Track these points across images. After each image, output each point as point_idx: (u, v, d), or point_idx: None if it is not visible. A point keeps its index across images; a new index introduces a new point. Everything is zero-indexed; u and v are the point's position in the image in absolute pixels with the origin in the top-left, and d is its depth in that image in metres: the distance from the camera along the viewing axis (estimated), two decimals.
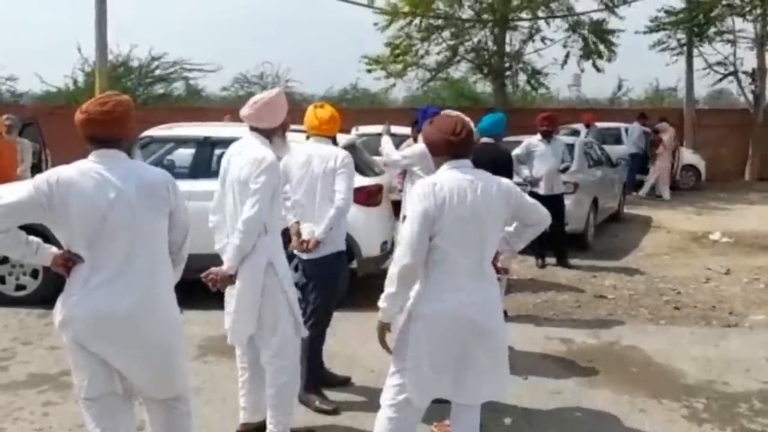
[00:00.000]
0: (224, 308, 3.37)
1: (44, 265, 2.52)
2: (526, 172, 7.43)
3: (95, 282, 2.40)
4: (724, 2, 16.44)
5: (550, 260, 7.69)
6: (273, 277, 3.23)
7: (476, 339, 2.66)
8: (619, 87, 22.97)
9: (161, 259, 2.53)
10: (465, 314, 2.64)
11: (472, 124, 2.96)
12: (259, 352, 3.31)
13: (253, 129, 3.33)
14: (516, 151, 7.37)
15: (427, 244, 2.65)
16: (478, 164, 5.07)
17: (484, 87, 19.52)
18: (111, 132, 2.45)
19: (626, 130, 14.28)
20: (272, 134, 3.33)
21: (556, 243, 7.65)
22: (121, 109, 2.46)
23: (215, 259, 3.29)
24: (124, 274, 2.41)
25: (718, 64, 17.69)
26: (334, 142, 4.01)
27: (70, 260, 2.44)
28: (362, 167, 6.22)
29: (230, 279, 3.17)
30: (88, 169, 2.42)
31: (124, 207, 2.40)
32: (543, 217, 2.93)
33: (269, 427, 3.32)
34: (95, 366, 2.43)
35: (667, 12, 17.21)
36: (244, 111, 3.32)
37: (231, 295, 3.28)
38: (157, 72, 20.53)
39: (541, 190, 7.36)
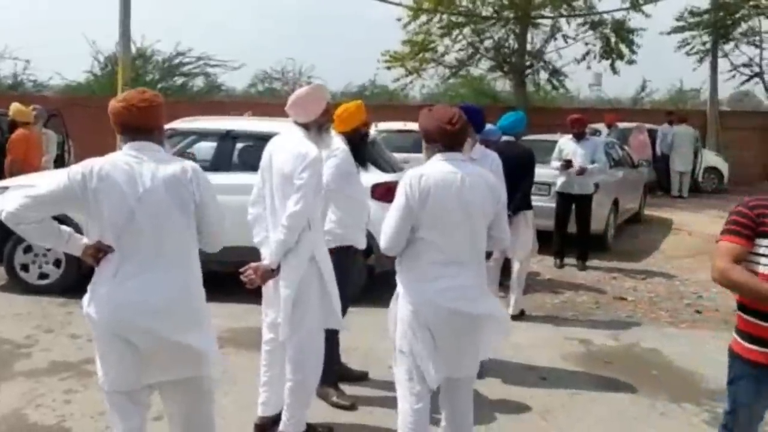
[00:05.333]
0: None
1: (75, 255, 2.54)
2: (556, 163, 7.41)
3: (124, 273, 2.41)
4: (750, 3, 16.17)
5: (569, 260, 7.63)
6: (313, 271, 3.26)
7: (457, 322, 2.77)
8: (643, 88, 22.70)
9: (191, 251, 2.53)
10: (444, 301, 2.75)
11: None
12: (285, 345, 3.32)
13: (295, 123, 3.34)
14: (553, 156, 7.49)
15: (408, 232, 2.79)
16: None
17: (504, 85, 19.43)
18: (149, 120, 2.48)
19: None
20: (310, 127, 3.32)
21: (580, 243, 7.60)
22: (157, 100, 2.51)
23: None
24: (154, 267, 2.42)
25: (744, 65, 17.45)
26: (350, 137, 3.90)
27: (100, 251, 2.46)
28: (382, 163, 6.22)
29: (272, 273, 3.17)
30: (120, 160, 2.45)
31: (152, 201, 2.41)
32: (503, 238, 2.97)
33: (283, 419, 3.32)
34: (122, 360, 2.45)
35: (691, 12, 16.98)
36: (287, 104, 3.33)
37: (272, 288, 3.27)
38: (179, 66, 20.70)
39: (574, 189, 7.36)
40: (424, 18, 15.84)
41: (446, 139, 2.83)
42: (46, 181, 2.51)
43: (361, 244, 3.93)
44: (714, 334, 5.43)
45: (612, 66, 16.50)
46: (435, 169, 2.80)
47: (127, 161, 2.44)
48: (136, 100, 2.46)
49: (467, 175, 2.79)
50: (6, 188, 5.76)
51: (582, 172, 7.32)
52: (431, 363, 2.81)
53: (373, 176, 5.94)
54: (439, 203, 2.74)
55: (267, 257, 3.21)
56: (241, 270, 3.21)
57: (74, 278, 5.71)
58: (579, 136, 7.48)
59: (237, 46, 35.86)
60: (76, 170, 2.43)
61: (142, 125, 2.48)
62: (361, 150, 4.00)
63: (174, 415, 2.64)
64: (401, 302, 2.86)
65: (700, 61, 17.42)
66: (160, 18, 30.62)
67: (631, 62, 16.42)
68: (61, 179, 2.43)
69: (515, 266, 5.64)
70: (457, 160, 2.84)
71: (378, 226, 5.57)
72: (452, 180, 2.76)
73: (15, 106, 7.62)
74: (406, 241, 2.81)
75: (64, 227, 2.54)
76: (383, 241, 2.83)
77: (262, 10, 46.05)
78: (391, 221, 2.80)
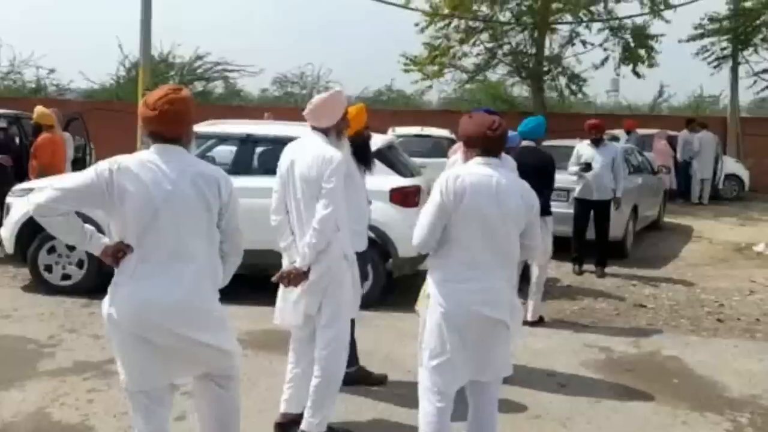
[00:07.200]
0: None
1: (95, 253, 2.57)
2: (574, 169, 7.39)
3: (143, 272, 2.44)
4: None
5: (588, 267, 7.58)
6: (345, 269, 3.34)
7: (484, 325, 2.81)
8: (660, 94, 22.52)
9: (211, 254, 2.55)
10: (473, 303, 2.77)
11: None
12: (315, 342, 3.37)
13: (314, 128, 3.39)
14: (571, 161, 7.46)
15: (440, 231, 2.84)
16: (520, 167, 5.04)
17: (521, 91, 19.37)
18: (176, 130, 2.51)
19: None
20: (329, 132, 3.37)
21: (598, 250, 7.55)
22: (188, 106, 2.52)
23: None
24: (173, 265, 2.45)
25: (764, 71, 17.23)
26: (352, 140, 3.82)
27: (120, 251, 2.49)
28: (400, 168, 6.24)
29: (304, 276, 3.22)
30: (147, 160, 2.48)
31: (178, 201, 2.44)
32: (534, 245, 3.03)
33: (306, 418, 3.32)
34: (144, 359, 2.47)
35: (710, 19, 16.82)
36: (305, 110, 3.39)
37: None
38: (199, 71, 20.94)
39: (593, 194, 7.33)
40: (441, 23, 15.86)
41: (487, 144, 2.88)
42: (75, 175, 2.55)
43: (358, 246, 3.88)
44: (736, 343, 5.37)
45: (634, 71, 16.37)
46: (472, 171, 2.85)
47: (154, 161, 2.46)
48: (166, 112, 2.45)
49: (504, 180, 2.83)
50: (31, 190, 5.86)
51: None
52: (457, 365, 2.82)
53: (391, 180, 5.98)
54: (473, 204, 2.78)
55: (297, 261, 3.25)
56: (273, 279, 3.28)
57: (96, 279, 5.77)
58: (597, 142, 7.45)
59: (254, 49, 36.22)
60: (103, 166, 2.46)
61: (172, 134, 2.50)
62: (365, 152, 4.02)
63: (201, 405, 2.68)
64: (432, 302, 2.88)
65: (717, 67, 17.24)
66: (180, 21, 31.03)
67: (651, 65, 16.26)
68: (89, 174, 2.46)
69: (534, 272, 5.62)
70: (495, 165, 2.88)
71: (396, 230, 5.71)
72: (488, 183, 2.81)
73: (39, 110, 7.74)
74: (437, 239, 2.85)
75: (87, 225, 2.57)
76: (416, 238, 2.89)
77: (278, 12, 46.45)
78: (424, 219, 2.86)
